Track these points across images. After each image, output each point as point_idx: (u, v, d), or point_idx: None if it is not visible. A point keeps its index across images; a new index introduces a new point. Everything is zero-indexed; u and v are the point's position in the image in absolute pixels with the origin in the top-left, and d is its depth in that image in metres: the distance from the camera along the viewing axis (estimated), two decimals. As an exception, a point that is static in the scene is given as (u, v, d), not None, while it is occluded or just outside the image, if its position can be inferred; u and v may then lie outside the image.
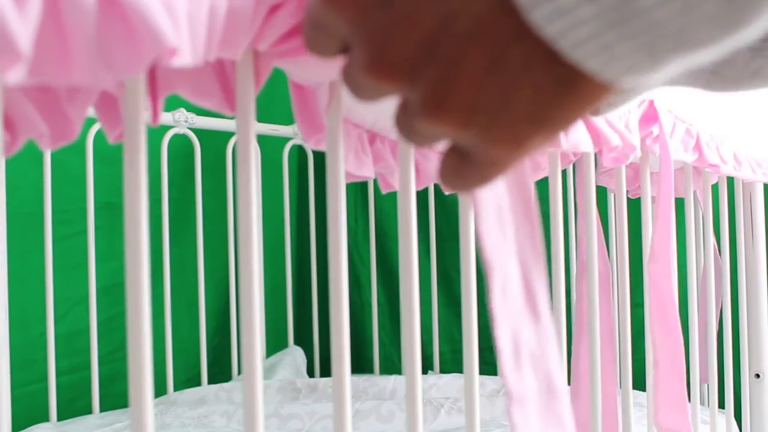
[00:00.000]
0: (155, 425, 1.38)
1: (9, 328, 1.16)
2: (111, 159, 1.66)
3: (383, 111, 0.68)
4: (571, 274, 1.75)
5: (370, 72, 0.33)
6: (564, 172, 1.80)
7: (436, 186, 1.84)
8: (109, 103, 0.46)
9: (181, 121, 1.70)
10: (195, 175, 1.79)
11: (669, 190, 0.91)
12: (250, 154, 0.43)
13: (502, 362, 0.46)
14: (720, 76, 0.44)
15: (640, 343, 1.04)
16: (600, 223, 0.94)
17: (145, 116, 0.38)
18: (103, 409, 1.61)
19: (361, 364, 2.17)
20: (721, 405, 1.38)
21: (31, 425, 1.45)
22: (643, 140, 0.91)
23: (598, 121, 0.78)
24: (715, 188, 1.41)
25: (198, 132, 1.78)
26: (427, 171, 0.89)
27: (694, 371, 1.11)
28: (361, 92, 0.35)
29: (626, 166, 0.93)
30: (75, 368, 1.63)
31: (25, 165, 1.52)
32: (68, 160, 1.60)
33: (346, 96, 0.49)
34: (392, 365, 2.18)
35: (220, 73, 0.45)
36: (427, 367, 2.07)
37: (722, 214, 1.33)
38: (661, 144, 0.91)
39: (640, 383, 1.17)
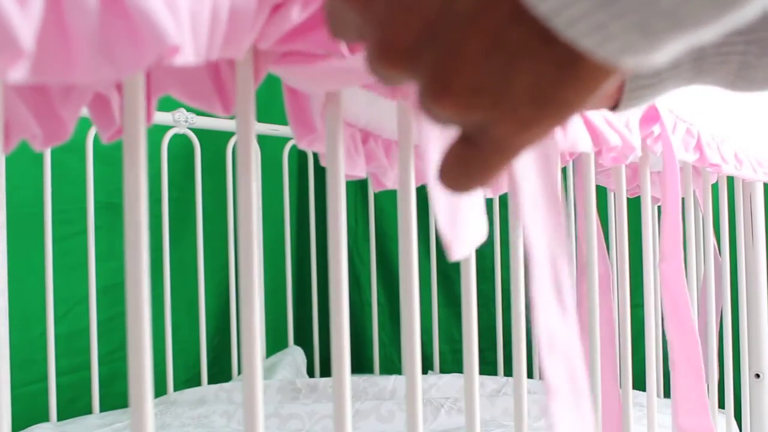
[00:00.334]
0: (155, 425, 1.38)
1: (9, 328, 1.16)
2: (111, 159, 1.66)
3: (377, 111, 0.68)
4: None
5: (380, 60, 0.33)
6: (564, 171, 1.80)
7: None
8: (102, 104, 0.46)
9: (181, 121, 1.70)
10: (195, 175, 1.79)
11: (675, 190, 0.91)
12: (250, 154, 0.43)
13: (541, 355, 0.47)
14: (746, 79, 0.44)
15: (640, 343, 1.04)
16: (600, 223, 0.94)
17: (143, 116, 0.38)
18: (103, 409, 1.61)
19: (361, 364, 2.17)
20: (721, 405, 1.38)
21: (31, 425, 1.45)
22: (643, 140, 0.91)
23: (597, 120, 0.78)
24: (715, 188, 1.41)
25: (198, 132, 1.78)
26: (425, 171, 0.89)
27: (694, 371, 1.11)
28: (382, 80, 0.35)
29: (625, 165, 0.93)
30: (75, 368, 1.63)
31: (25, 165, 1.52)
32: (68, 160, 1.60)
33: (341, 97, 0.49)
34: (392, 365, 2.18)
35: (215, 73, 0.45)
36: (427, 367, 2.07)
37: (722, 214, 1.33)
38: (665, 143, 0.91)
39: (640, 383, 1.17)
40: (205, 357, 1.80)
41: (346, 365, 0.49)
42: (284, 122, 1.97)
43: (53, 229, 1.51)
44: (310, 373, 2.06)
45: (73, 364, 1.63)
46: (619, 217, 0.95)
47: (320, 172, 2.07)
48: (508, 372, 1.89)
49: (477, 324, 0.60)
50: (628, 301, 0.93)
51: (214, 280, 1.91)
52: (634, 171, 1.34)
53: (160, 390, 1.67)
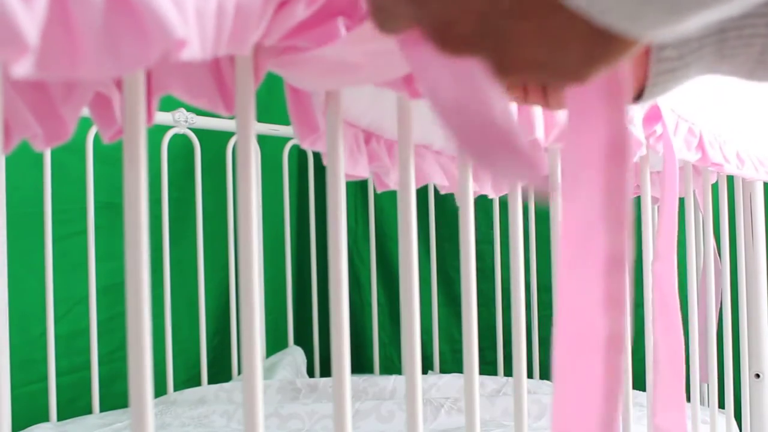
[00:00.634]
0: (155, 425, 1.38)
1: (9, 328, 1.16)
2: (111, 159, 1.66)
3: (379, 112, 0.68)
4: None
5: (442, 45, 0.37)
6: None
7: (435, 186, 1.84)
8: (103, 104, 0.46)
9: (181, 121, 1.70)
10: (195, 175, 1.79)
11: (673, 190, 0.91)
12: (250, 154, 0.43)
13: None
14: (766, 64, 0.46)
15: (640, 343, 1.04)
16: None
17: (143, 116, 0.38)
18: (103, 409, 1.61)
19: (361, 364, 2.17)
20: (721, 405, 1.38)
21: (31, 425, 1.45)
22: (646, 139, 0.91)
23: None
24: (715, 188, 1.40)
25: (198, 132, 1.78)
26: (424, 170, 0.89)
27: (694, 371, 1.11)
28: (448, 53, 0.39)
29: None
30: (75, 368, 1.63)
31: (25, 165, 1.52)
32: (68, 160, 1.60)
33: (342, 97, 0.49)
34: (392, 365, 2.18)
35: (216, 72, 0.45)
36: (427, 367, 2.07)
37: (722, 214, 1.33)
38: (665, 143, 0.91)
39: (640, 383, 1.17)
40: (205, 357, 1.80)
41: (346, 365, 0.49)
42: (284, 122, 1.98)
43: (53, 229, 1.51)
44: (310, 373, 2.06)
45: (73, 364, 1.63)
46: (619, 217, 0.95)
47: (320, 172, 2.07)
48: (508, 372, 1.89)
49: (477, 324, 0.60)
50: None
51: (214, 280, 1.91)
52: (635, 171, 1.34)
53: (160, 390, 1.67)
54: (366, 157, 0.73)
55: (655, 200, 1.44)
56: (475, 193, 1.06)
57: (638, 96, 0.56)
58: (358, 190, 2.23)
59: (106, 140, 0.47)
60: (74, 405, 1.62)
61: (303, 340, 2.09)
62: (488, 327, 1.97)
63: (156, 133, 1.69)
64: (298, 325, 2.10)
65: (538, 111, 0.71)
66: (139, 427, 0.37)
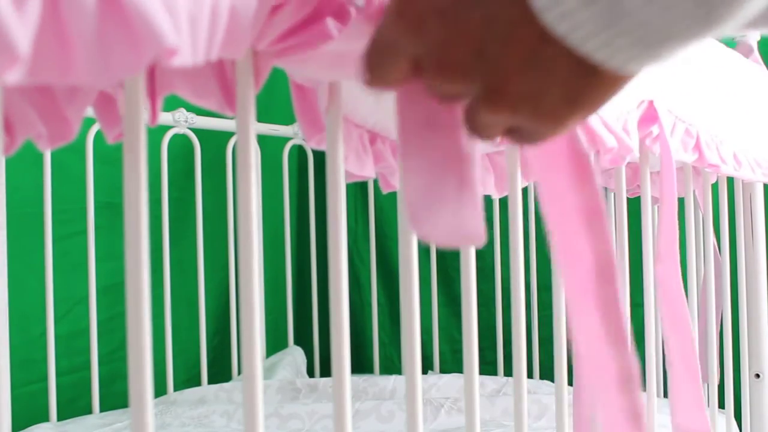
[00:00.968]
0: (155, 425, 1.38)
1: (9, 328, 1.16)
2: (111, 159, 1.66)
3: (385, 113, 0.68)
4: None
5: (442, 76, 0.39)
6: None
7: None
8: (107, 104, 0.46)
9: (181, 121, 1.70)
10: (195, 175, 1.79)
11: (671, 191, 0.91)
12: (250, 154, 0.43)
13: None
14: None
15: (640, 343, 1.04)
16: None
17: (143, 116, 0.38)
18: (103, 409, 1.61)
19: (361, 364, 2.17)
20: (721, 405, 1.38)
21: (31, 425, 1.45)
22: (642, 140, 0.91)
23: (594, 122, 0.78)
24: (715, 188, 1.40)
25: (198, 132, 1.78)
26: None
27: (694, 371, 1.11)
28: (440, 93, 0.40)
29: (625, 165, 0.93)
30: (75, 368, 1.63)
31: (25, 165, 1.52)
32: (68, 160, 1.60)
33: (347, 96, 0.49)
34: (392, 365, 2.18)
35: (220, 73, 0.45)
36: (427, 367, 2.07)
37: (722, 214, 1.33)
38: (662, 144, 0.91)
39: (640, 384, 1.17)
40: (205, 357, 1.80)
41: (346, 365, 0.49)
42: (284, 122, 1.98)
43: (53, 229, 1.51)
44: (310, 373, 2.06)
45: (73, 364, 1.63)
46: (619, 218, 0.95)
47: (320, 172, 2.07)
48: (508, 372, 1.89)
49: (477, 324, 0.60)
50: (628, 301, 0.93)
51: (214, 280, 1.91)
52: (635, 171, 1.34)
53: (160, 390, 1.67)
54: (372, 158, 0.74)
55: (655, 200, 1.44)
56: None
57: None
58: (358, 190, 2.23)
59: (110, 140, 0.47)
60: (74, 405, 1.62)
61: (303, 340, 2.09)
62: (488, 327, 1.97)
63: (156, 133, 1.69)
64: (298, 325, 2.10)
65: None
66: (139, 427, 0.38)
